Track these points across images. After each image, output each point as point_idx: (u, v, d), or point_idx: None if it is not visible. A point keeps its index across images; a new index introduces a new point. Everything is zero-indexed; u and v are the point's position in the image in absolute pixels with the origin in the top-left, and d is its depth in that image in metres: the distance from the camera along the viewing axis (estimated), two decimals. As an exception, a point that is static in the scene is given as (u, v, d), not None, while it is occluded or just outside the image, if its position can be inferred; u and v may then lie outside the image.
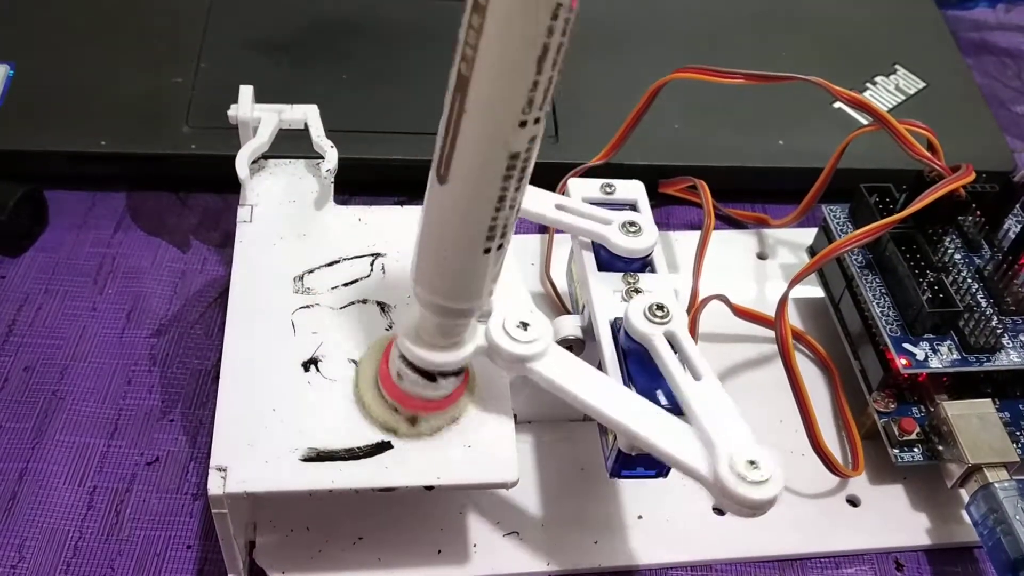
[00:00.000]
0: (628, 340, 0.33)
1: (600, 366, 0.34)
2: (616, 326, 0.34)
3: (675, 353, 0.32)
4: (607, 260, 0.36)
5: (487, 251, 0.28)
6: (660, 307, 0.33)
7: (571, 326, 0.36)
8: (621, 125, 0.43)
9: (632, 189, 0.39)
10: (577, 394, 0.31)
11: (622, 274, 0.36)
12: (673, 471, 0.33)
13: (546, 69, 0.24)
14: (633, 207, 0.39)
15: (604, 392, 0.31)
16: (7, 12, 0.52)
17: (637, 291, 0.35)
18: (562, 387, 0.31)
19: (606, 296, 0.35)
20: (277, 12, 0.54)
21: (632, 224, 0.36)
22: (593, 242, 0.37)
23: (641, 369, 0.33)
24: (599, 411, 0.31)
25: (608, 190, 0.39)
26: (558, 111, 0.50)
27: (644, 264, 0.37)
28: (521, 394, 0.37)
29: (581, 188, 0.39)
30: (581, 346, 0.36)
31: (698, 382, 0.31)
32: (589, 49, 0.54)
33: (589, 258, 0.37)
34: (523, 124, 0.24)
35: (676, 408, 0.32)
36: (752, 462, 0.29)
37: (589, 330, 0.36)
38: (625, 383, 0.32)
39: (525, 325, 0.31)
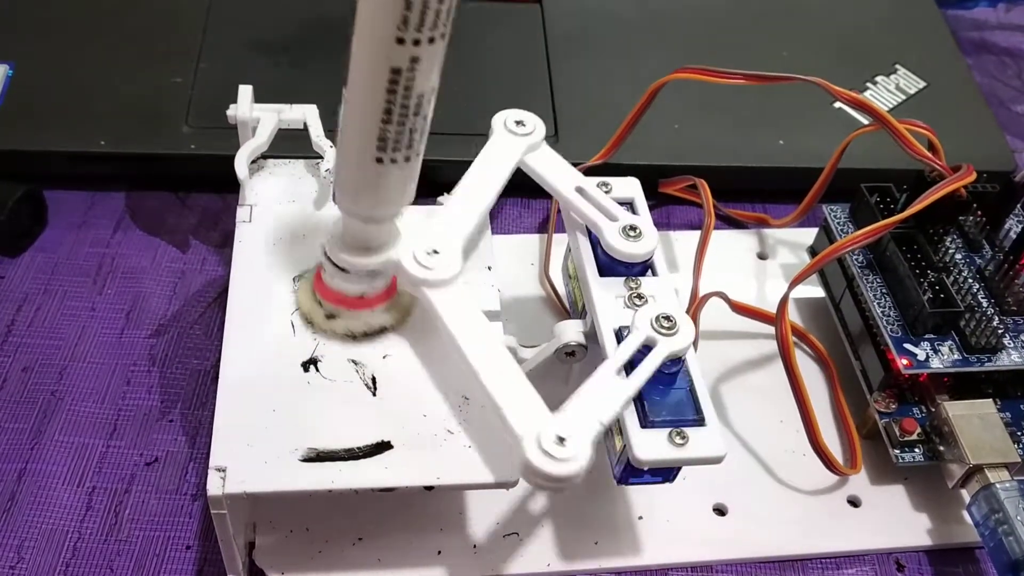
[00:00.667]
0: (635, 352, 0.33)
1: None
2: (622, 335, 0.34)
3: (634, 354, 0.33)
4: (608, 265, 0.36)
5: (379, 161, 0.30)
6: (668, 318, 0.33)
7: (574, 332, 0.36)
8: (621, 124, 0.43)
9: (629, 187, 0.39)
10: (453, 333, 0.32)
11: (624, 279, 0.36)
12: (678, 475, 0.33)
13: (415, 7, 0.26)
14: (630, 205, 0.38)
15: (477, 340, 0.32)
16: (7, 12, 0.52)
17: (640, 296, 0.35)
18: (443, 322, 0.33)
19: (608, 302, 0.35)
20: (277, 12, 0.54)
21: (633, 228, 0.36)
22: (593, 247, 0.37)
23: (651, 381, 0.33)
24: (462, 353, 0.32)
25: (605, 188, 0.39)
26: (558, 111, 0.50)
27: (645, 267, 0.36)
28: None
29: (579, 184, 0.39)
30: (584, 352, 0.36)
31: (618, 376, 0.32)
32: (589, 49, 0.54)
33: (591, 265, 0.36)
34: (400, 41, 0.27)
35: (696, 420, 0.32)
36: (562, 438, 0.29)
37: (592, 335, 0.36)
38: (635, 403, 0.32)
39: (435, 252, 0.33)
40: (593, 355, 0.36)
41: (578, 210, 0.37)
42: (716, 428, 0.32)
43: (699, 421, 0.32)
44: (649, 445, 0.31)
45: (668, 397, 0.33)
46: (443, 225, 0.35)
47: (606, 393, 0.31)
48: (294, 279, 0.36)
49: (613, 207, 0.37)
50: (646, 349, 0.32)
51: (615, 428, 0.33)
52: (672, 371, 0.33)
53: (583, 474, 0.29)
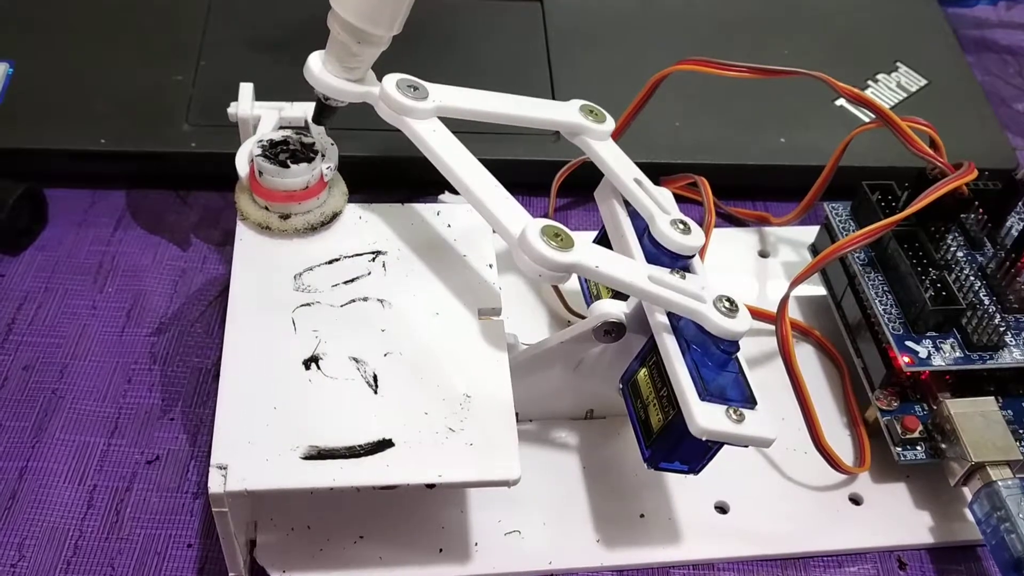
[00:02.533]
0: (690, 329, 0.34)
1: (642, 360, 0.35)
2: (674, 316, 0.34)
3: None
4: (654, 255, 0.36)
5: None
6: (731, 301, 0.34)
7: (615, 310, 0.36)
8: (621, 117, 0.43)
9: (662, 197, 0.39)
10: (443, 158, 0.35)
11: (669, 270, 0.36)
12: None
13: None
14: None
15: (463, 162, 0.35)
16: (7, 11, 0.52)
17: None
18: (430, 148, 0.35)
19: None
20: (277, 10, 0.54)
21: (683, 223, 0.36)
22: (639, 236, 0.37)
23: (704, 359, 0.33)
24: (452, 170, 0.35)
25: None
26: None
27: (686, 264, 0.37)
28: (523, 393, 0.37)
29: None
30: (621, 331, 0.36)
31: (651, 282, 0.33)
32: (590, 46, 0.54)
33: (638, 250, 0.36)
34: None
35: (745, 399, 0.33)
36: (561, 236, 0.32)
37: (631, 316, 0.36)
38: (690, 371, 0.33)
39: (415, 88, 0.36)
40: (622, 341, 0.36)
41: (635, 197, 0.37)
42: (766, 413, 0.33)
43: (752, 403, 0.33)
44: (709, 415, 0.32)
45: (722, 377, 0.33)
46: (434, 85, 0.37)
47: (625, 264, 0.34)
48: (295, 277, 0.36)
49: (667, 203, 0.37)
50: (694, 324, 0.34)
51: (653, 406, 0.34)
52: (729, 352, 0.34)
53: (571, 266, 0.32)
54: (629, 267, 0.34)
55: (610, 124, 0.39)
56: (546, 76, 0.52)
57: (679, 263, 0.36)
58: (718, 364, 0.33)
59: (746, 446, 0.33)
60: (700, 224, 0.41)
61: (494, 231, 0.35)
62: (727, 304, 0.33)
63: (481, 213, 0.34)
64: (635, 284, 0.33)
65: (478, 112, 0.38)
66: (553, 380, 0.38)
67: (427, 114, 0.36)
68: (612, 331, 0.36)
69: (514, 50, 0.53)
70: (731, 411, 0.32)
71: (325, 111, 0.38)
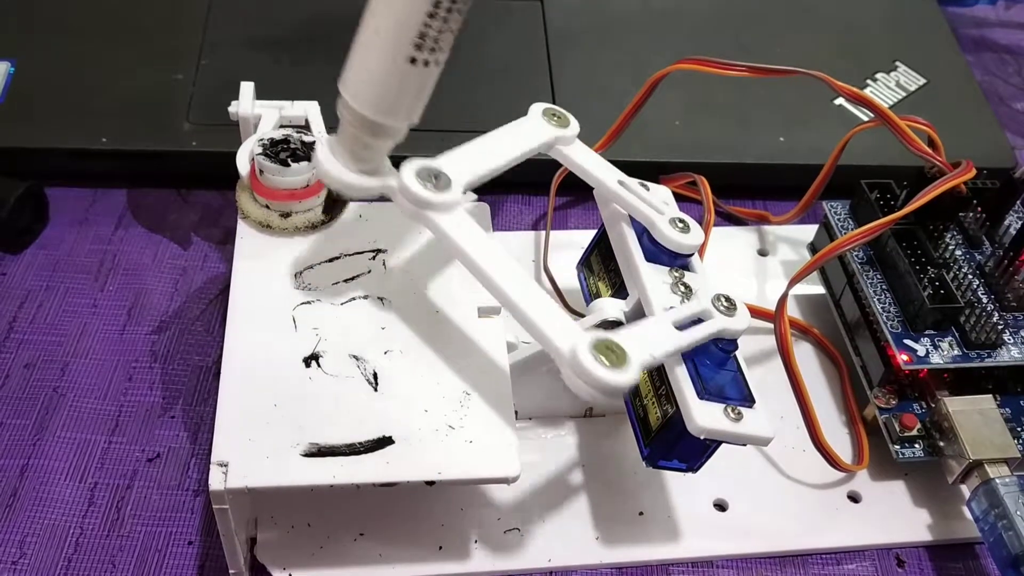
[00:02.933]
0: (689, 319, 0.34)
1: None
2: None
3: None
4: (653, 253, 0.36)
5: (413, 61, 0.29)
6: (729, 300, 0.34)
7: (614, 309, 0.36)
8: (620, 116, 0.43)
9: (661, 195, 0.39)
10: (471, 257, 0.32)
11: (668, 268, 0.36)
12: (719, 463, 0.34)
13: None
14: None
15: (496, 261, 0.32)
16: (8, 10, 0.52)
17: (686, 285, 0.35)
18: (456, 245, 0.32)
19: (658, 285, 0.35)
20: (278, 9, 0.54)
21: (681, 221, 0.36)
22: (639, 235, 0.37)
23: (704, 358, 0.33)
24: (487, 276, 0.32)
25: (644, 188, 0.39)
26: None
27: (685, 262, 0.37)
28: (523, 391, 0.37)
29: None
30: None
31: (673, 329, 0.32)
32: (590, 44, 0.54)
33: (636, 248, 0.36)
34: None
35: (743, 398, 0.33)
36: (615, 352, 0.30)
37: (631, 316, 0.36)
38: (689, 371, 0.33)
39: (437, 176, 0.32)
40: None
41: (625, 202, 0.37)
42: (763, 411, 0.33)
43: (750, 402, 0.33)
44: (707, 414, 0.32)
45: (720, 376, 0.33)
46: (445, 159, 0.34)
47: (659, 335, 0.32)
48: (295, 275, 0.36)
49: (656, 201, 0.37)
50: (698, 321, 0.33)
51: (651, 405, 0.34)
52: (728, 351, 0.34)
53: (629, 387, 0.29)
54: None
55: (575, 126, 0.38)
56: (546, 76, 0.52)
57: (678, 262, 0.36)
58: (716, 363, 0.34)
59: (744, 444, 0.33)
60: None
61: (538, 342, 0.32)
62: (725, 303, 0.34)
63: (520, 322, 0.31)
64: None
65: (495, 170, 0.35)
66: (553, 379, 0.38)
67: (452, 205, 0.32)
68: (611, 330, 0.36)
69: (514, 50, 0.54)
70: (729, 410, 0.32)
71: (337, 205, 0.36)
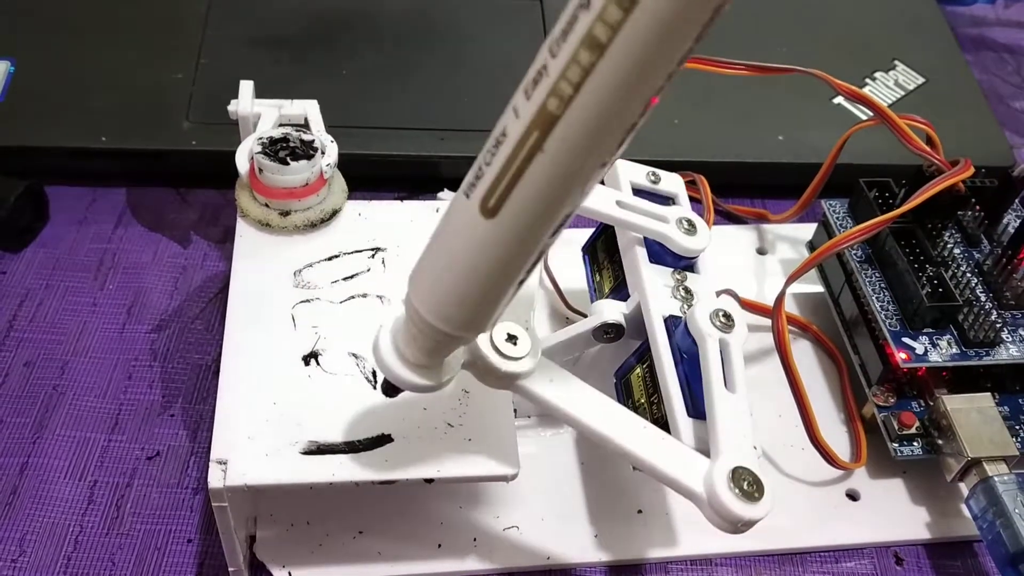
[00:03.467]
0: (685, 340, 0.33)
1: (639, 357, 0.35)
2: (671, 323, 0.34)
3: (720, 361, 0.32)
4: (658, 254, 0.36)
5: (521, 283, 0.26)
6: (727, 315, 0.33)
7: (614, 311, 0.36)
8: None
9: (672, 182, 0.39)
10: (574, 415, 0.30)
11: (671, 270, 0.36)
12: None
13: (648, 110, 0.21)
14: (673, 200, 0.39)
15: (599, 411, 0.31)
16: (8, 8, 0.52)
17: (687, 290, 0.35)
18: (555, 406, 0.30)
19: (658, 290, 0.35)
20: (277, 8, 0.54)
21: (689, 223, 0.36)
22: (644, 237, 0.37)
23: (696, 372, 0.33)
24: (595, 431, 0.30)
25: (653, 179, 0.39)
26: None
27: (691, 263, 0.37)
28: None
29: (628, 172, 0.39)
30: (620, 333, 0.36)
31: (730, 394, 0.32)
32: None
33: (641, 249, 0.36)
34: (603, 165, 0.22)
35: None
36: (751, 481, 0.29)
37: (630, 318, 0.36)
38: (681, 384, 0.33)
39: (514, 339, 0.29)
40: (622, 343, 0.36)
41: (630, 224, 0.36)
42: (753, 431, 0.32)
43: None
44: (694, 436, 0.32)
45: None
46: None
47: (735, 415, 0.31)
48: (295, 273, 0.36)
49: (658, 208, 0.37)
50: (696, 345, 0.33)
51: (643, 409, 0.34)
52: None
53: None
54: None
55: None
56: (545, 74, 0.52)
57: (682, 263, 0.36)
58: None
59: None
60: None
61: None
62: (723, 319, 0.33)
63: (643, 469, 0.30)
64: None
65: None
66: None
67: (533, 367, 0.30)
68: (611, 332, 0.36)
69: (514, 49, 0.54)
70: None
71: (397, 390, 0.30)
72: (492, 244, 0.24)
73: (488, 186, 0.23)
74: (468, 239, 0.24)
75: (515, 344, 0.29)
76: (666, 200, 0.39)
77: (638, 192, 0.38)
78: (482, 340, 0.29)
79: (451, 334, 0.26)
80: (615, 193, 0.37)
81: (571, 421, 0.31)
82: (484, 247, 0.24)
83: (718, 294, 0.40)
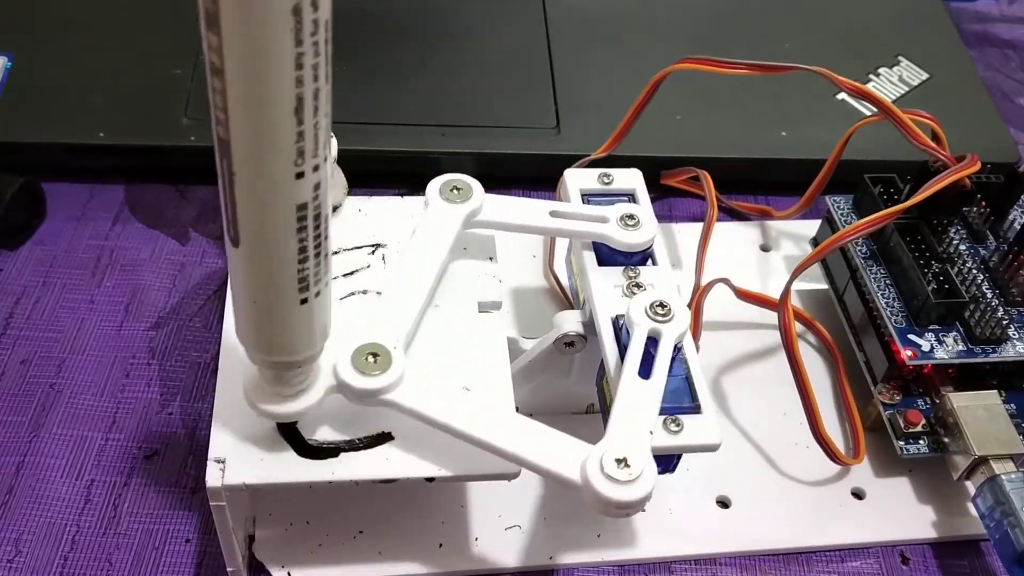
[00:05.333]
0: (628, 336, 0.33)
1: (602, 363, 0.34)
2: (618, 324, 0.34)
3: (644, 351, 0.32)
4: (607, 254, 0.36)
5: (304, 302, 0.27)
6: (663, 305, 0.32)
7: (572, 322, 0.36)
8: (623, 116, 0.43)
9: (630, 178, 0.39)
10: (440, 419, 0.30)
11: (623, 268, 0.36)
12: (680, 467, 0.33)
13: (307, 118, 0.22)
14: (631, 196, 0.38)
15: (468, 413, 0.30)
16: (5, 4, 0.52)
17: (638, 286, 0.35)
18: (425, 415, 0.30)
19: (606, 292, 0.35)
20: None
21: (631, 217, 0.36)
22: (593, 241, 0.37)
23: (646, 368, 0.32)
24: (467, 434, 0.30)
25: (606, 180, 0.38)
26: (559, 102, 0.50)
27: (645, 257, 0.36)
28: (522, 388, 0.37)
29: (578, 180, 0.38)
30: (583, 342, 0.36)
31: (642, 380, 0.31)
32: (591, 40, 0.54)
33: (589, 254, 0.36)
34: (300, 175, 0.23)
35: (692, 407, 0.32)
36: (620, 460, 0.29)
37: (591, 325, 0.35)
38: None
39: (375, 355, 0.30)
40: (593, 346, 0.36)
41: (568, 232, 0.36)
42: (712, 415, 0.32)
43: (695, 408, 0.32)
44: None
45: (666, 385, 0.32)
46: (380, 322, 0.32)
47: (638, 401, 0.31)
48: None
49: (596, 210, 0.36)
50: (653, 341, 0.32)
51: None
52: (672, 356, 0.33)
53: (652, 490, 0.29)
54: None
55: (478, 194, 0.36)
56: (547, 70, 0.52)
57: (634, 259, 0.36)
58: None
59: (693, 452, 0.32)
60: (702, 218, 0.41)
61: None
62: (660, 310, 0.32)
63: (525, 467, 0.30)
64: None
65: (423, 306, 0.34)
66: (549, 382, 0.38)
67: (399, 379, 0.31)
68: (573, 343, 0.36)
69: (515, 47, 0.53)
70: (668, 422, 0.31)
71: (294, 433, 0.31)
72: (252, 269, 0.26)
73: (225, 217, 0.25)
74: (235, 269, 0.27)
75: (376, 360, 0.30)
76: (624, 197, 0.38)
77: (592, 196, 0.38)
78: (342, 363, 0.30)
79: (277, 360, 0.28)
80: (549, 204, 0.37)
81: (445, 429, 0.30)
82: (247, 273, 0.26)
83: (712, 284, 0.40)
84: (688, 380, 0.32)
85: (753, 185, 0.50)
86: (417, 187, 0.48)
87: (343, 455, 0.31)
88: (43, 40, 0.50)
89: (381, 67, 0.51)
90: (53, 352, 0.41)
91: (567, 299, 0.43)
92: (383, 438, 0.32)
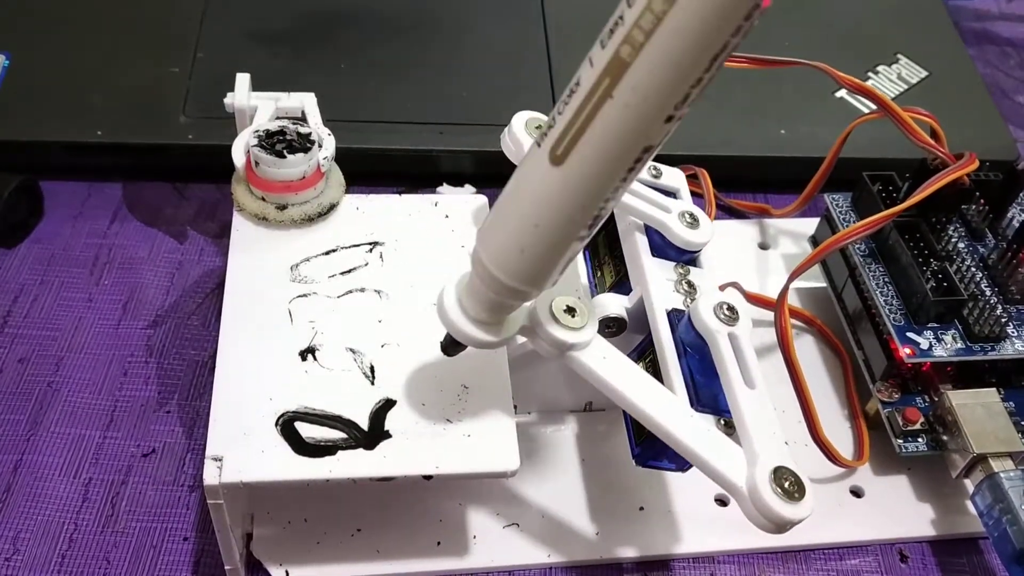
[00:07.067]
0: (689, 334, 0.33)
1: (641, 352, 0.34)
2: (674, 317, 0.34)
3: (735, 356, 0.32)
4: (660, 247, 0.36)
5: (581, 239, 0.26)
6: (731, 308, 0.33)
7: (616, 305, 0.36)
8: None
9: (674, 177, 0.39)
10: (622, 391, 0.31)
11: (674, 264, 0.36)
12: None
13: (715, 67, 0.22)
14: (674, 195, 0.38)
15: (648, 393, 0.31)
16: (3, 2, 0.52)
17: (690, 284, 0.35)
18: (605, 381, 0.31)
19: (661, 284, 0.35)
20: (275, 2, 0.54)
21: (692, 216, 0.36)
22: (646, 226, 0.37)
23: (700, 366, 0.33)
24: (644, 412, 0.30)
25: (654, 173, 0.38)
26: (557, 97, 0.50)
27: (693, 257, 0.36)
28: (521, 385, 0.37)
29: None
30: (623, 326, 0.36)
31: (751, 390, 0.31)
32: (589, 37, 0.53)
33: (642, 240, 0.36)
34: (670, 119, 0.23)
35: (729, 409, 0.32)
36: (787, 478, 0.29)
37: (632, 312, 0.35)
38: (685, 378, 0.32)
39: (572, 311, 0.30)
40: (623, 338, 0.36)
41: (631, 209, 0.36)
42: None
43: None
44: (703, 427, 0.31)
45: (715, 385, 0.32)
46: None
47: (761, 411, 0.31)
48: (292, 268, 0.36)
49: (660, 197, 0.36)
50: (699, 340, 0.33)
51: None
52: None
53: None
54: None
55: None
56: (545, 67, 0.52)
57: (684, 257, 0.36)
58: (713, 371, 0.33)
59: None
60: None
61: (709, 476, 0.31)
62: (727, 312, 0.33)
63: (686, 455, 0.30)
64: None
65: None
66: (552, 372, 0.38)
67: (590, 340, 0.31)
68: (613, 326, 0.36)
69: (513, 44, 0.53)
70: (721, 422, 0.32)
71: (459, 347, 0.31)
72: (557, 192, 0.25)
73: (559, 134, 0.24)
74: (535, 186, 0.26)
75: (573, 316, 0.30)
76: (668, 195, 0.38)
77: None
78: (542, 307, 0.30)
79: (513, 287, 0.27)
80: None
81: (619, 399, 0.31)
82: (549, 195, 0.25)
83: (723, 287, 0.40)
84: None
85: (751, 183, 0.50)
86: (415, 185, 0.48)
87: (341, 453, 0.31)
88: (41, 38, 0.50)
89: (380, 65, 0.51)
90: (51, 350, 0.41)
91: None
92: (381, 436, 0.32)
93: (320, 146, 0.37)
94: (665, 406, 0.31)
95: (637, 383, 0.31)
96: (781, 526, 0.29)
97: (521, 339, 0.31)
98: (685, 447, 0.30)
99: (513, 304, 0.29)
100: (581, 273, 0.41)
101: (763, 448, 0.30)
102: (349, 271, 0.36)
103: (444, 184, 0.47)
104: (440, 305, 0.29)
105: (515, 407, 0.34)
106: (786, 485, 0.29)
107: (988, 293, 0.39)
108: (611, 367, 0.31)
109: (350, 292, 0.36)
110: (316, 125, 0.39)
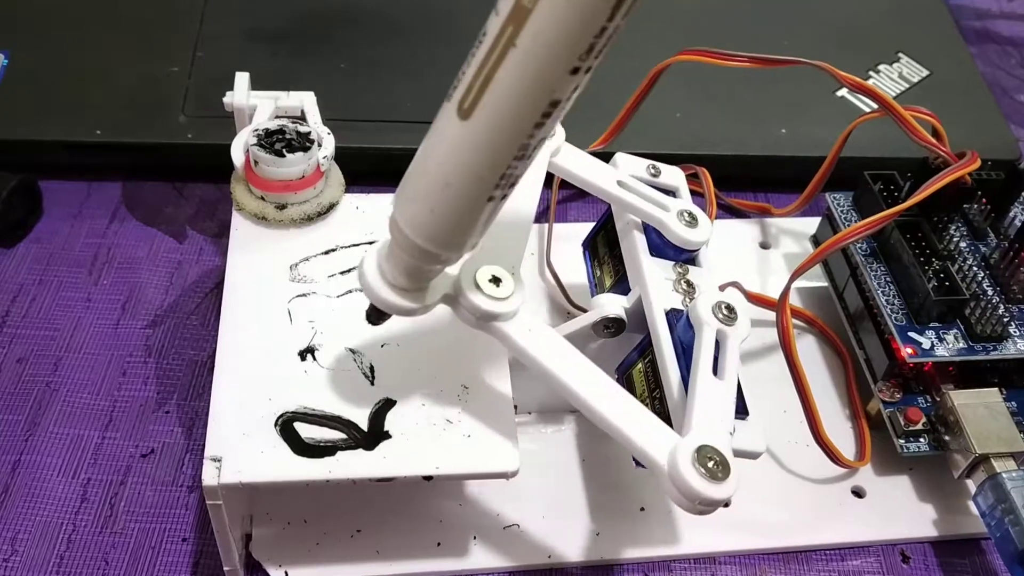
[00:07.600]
0: (687, 334, 0.33)
1: (641, 352, 0.34)
2: (673, 317, 0.34)
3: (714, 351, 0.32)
4: (658, 246, 0.36)
5: (491, 199, 0.26)
6: (730, 308, 0.33)
7: (615, 305, 0.36)
8: (622, 109, 0.43)
9: (673, 176, 0.39)
10: (545, 365, 0.30)
11: (672, 263, 0.36)
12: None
13: (618, 16, 0.22)
14: (674, 195, 0.38)
15: (574, 369, 0.30)
16: (2, 2, 0.52)
17: (689, 283, 0.35)
18: (528, 354, 0.30)
19: (659, 283, 0.35)
20: (275, 1, 0.53)
21: (690, 214, 0.36)
22: (645, 225, 0.37)
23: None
24: (565, 385, 0.30)
25: (653, 172, 0.38)
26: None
27: (692, 256, 0.36)
28: (522, 385, 0.36)
29: (628, 165, 0.38)
30: (621, 327, 0.36)
31: (715, 379, 0.31)
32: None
33: (640, 239, 0.36)
34: (575, 71, 0.23)
35: (740, 412, 0.31)
36: (710, 456, 0.28)
37: (631, 312, 0.35)
38: (683, 376, 0.32)
39: (497, 280, 0.30)
40: (623, 338, 0.36)
41: (627, 205, 0.36)
42: (758, 422, 0.32)
43: (743, 413, 0.32)
44: None
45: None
46: (493, 247, 0.30)
47: (715, 399, 0.31)
48: (291, 267, 0.36)
49: (659, 195, 0.36)
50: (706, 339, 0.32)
51: (651, 408, 0.33)
52: None
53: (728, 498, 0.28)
54: None
55: (560, 132, 0.36)
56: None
57: (683, 256, 0.36)
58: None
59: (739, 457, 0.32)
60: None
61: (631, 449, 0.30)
62: (725, 311, 0.33)
63: (609, 432, 0.30)
64: None
65: (527, 230, 0.34)
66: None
67: (515, 311, 0.30)
68: (612, 327, 0.36)
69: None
70: None
71: (383, 316, 0.31)
72: (465, 148, 0.25)
73: (466, 86, 0.24)
74: (443, 141, 0.25)
75: (498, 285, 0.30)
76: (667, 194, 0.38)
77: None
78: (466, 276, 0.30)
79: (426, 249, 0.27)
80: (617, 173, 0.37)
81: (543, 373, 0.30)
82: (459, 151, 0.25)
83: (724, 287, 0.40)
84: (737, 384, 0.32)
85: (752, 182, 0.50)
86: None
87: (340, 454, 0.31)
88: (40, 37, 0.50)
89: (380, 64, 0.51)
90: (49, 350, 0.41)
91: (567, 296, 0.43)
92: (381, 436, 0.32)
93: (320, 145, 0.37)
94: (590, 381, 0.30)
95: (562, 358, 0.30)
96: (700, 505, 0.28)
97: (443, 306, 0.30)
98: (608, 422, 0.30)
99: (432, 269, 0.28)
100: (533, 250, 0.42)
101: (698, 428, 0.29)
102: (349, 271, 0.36)
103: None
104: (360, 271, 0.29)
105: (515, 407, 0.34)
106: (710, 464, 0.28)
107: (990, 293, 0.39)
108: (536, 340, 0.30)
109: (350, 292, 0.36)
110: (316, 124, 0.39)
